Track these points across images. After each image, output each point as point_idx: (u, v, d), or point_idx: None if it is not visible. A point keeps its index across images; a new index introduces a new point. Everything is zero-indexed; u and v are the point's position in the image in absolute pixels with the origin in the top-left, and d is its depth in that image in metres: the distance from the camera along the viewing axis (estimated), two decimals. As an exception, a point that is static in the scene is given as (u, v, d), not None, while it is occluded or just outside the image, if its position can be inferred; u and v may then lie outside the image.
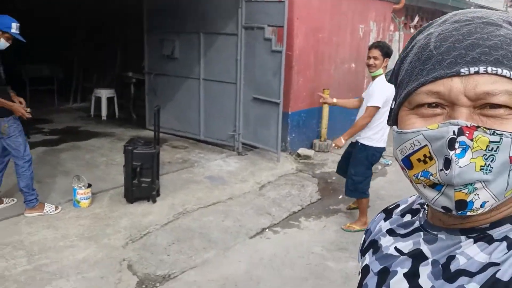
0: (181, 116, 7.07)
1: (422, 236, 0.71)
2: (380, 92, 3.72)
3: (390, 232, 0.79)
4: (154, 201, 4.57)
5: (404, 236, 0.75)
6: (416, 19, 9.96)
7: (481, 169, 0.57)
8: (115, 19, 8.61)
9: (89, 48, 9.52)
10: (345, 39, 7.37)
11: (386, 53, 3.82)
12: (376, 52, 3.81)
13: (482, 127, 0.56)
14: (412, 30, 9.89)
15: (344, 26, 7.33)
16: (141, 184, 4.47)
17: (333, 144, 4.06)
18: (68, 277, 3.26)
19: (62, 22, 9.41)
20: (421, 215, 0.75)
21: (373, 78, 3.89)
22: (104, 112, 8.39)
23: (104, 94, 8.37)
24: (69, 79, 9.54)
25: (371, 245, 0.83)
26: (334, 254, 3.81)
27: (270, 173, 5.68)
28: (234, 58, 6.20)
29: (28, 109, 4.13)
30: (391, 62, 8.52)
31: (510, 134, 0.56)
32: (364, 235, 0.90)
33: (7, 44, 3.90)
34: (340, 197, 4.99)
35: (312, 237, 4.16)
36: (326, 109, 6.87)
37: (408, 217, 0.78)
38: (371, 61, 3.82)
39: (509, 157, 0.57)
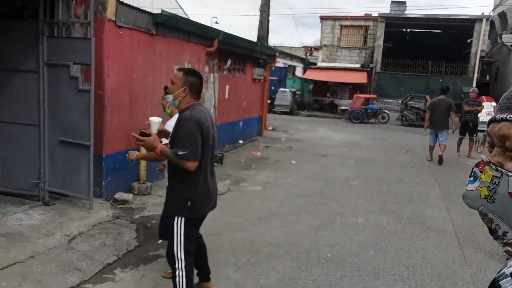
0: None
1: None
2: None
3: None
4: None
5: None
6: (229, 62, 10.58)
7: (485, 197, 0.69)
8: None
9: None
10: (160, 79, 7.34)
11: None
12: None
13: (491, 163, 0.70)
14: (225, 73, 10.44)
15: (158, 66, 7.31)
16: None
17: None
18: None
19: None
20: None
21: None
22: None
23: None
24: None
25: None
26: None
27: (82, 223, 5.14)
28: (36, 98, 5.58)
29: None
30: (208, 102, 8.62)
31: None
32: None
33: None
34: (160, 241, 4.77)
35: (127, 289, 3.83)
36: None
37: None
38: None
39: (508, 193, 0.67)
